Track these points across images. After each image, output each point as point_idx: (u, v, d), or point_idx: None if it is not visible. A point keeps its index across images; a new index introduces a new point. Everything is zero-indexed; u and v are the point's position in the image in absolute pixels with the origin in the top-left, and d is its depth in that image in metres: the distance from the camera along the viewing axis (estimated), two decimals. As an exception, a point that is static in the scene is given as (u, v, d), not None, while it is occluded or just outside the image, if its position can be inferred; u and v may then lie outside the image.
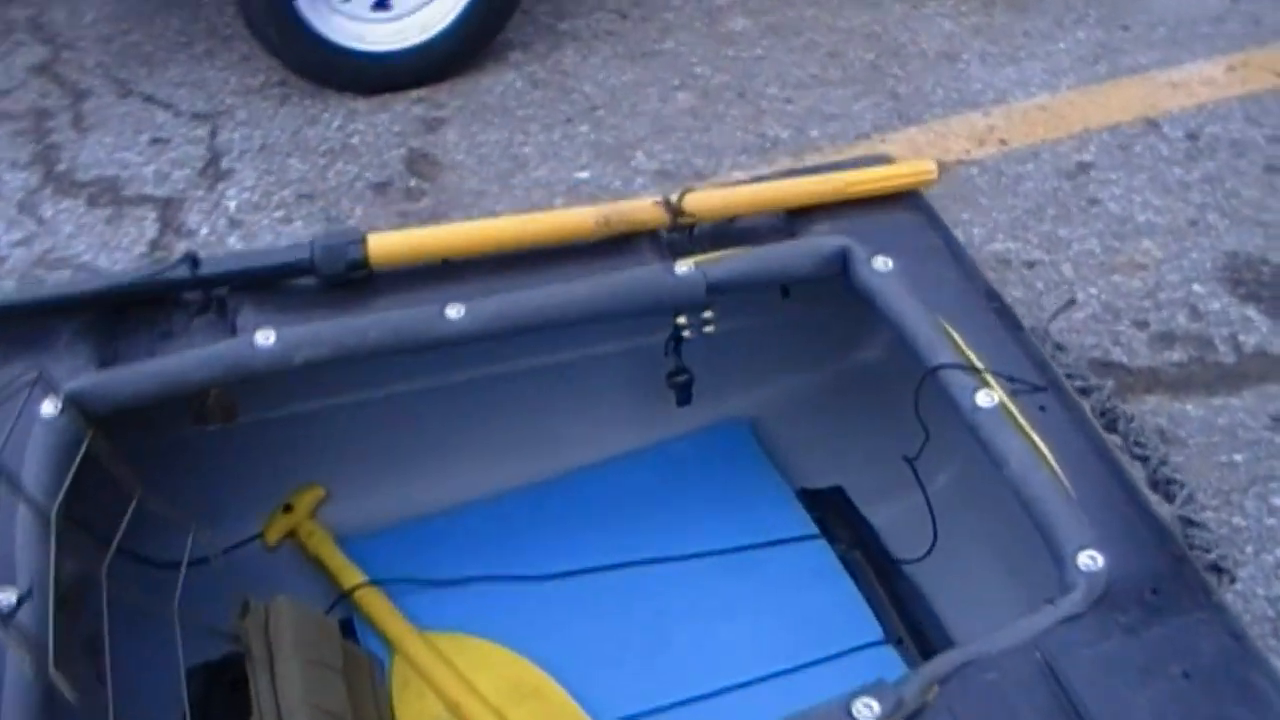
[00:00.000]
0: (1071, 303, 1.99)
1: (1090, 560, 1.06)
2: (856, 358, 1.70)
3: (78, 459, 1.16)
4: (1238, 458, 1.79)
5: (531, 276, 1.36)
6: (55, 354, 1.23)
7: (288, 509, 1.49)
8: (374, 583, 1.46)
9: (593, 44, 2.52)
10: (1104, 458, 1.22)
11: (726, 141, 2.31)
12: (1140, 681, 1.00)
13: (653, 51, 2.53)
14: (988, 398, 1.23)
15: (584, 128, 2.31)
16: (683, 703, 1.40)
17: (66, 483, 1.13)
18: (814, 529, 1.56)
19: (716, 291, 1.38)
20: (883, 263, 1.38)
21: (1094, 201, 2.25)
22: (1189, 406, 1.85)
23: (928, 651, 1.46)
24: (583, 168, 2.23)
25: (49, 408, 1.18)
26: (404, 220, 2.07)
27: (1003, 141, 2.37)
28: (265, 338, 1.26)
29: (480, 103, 2.34)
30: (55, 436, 1.16)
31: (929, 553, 1.52)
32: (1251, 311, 2.05)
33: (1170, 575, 1.09)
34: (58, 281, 1.34)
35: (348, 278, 1.32)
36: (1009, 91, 2.52)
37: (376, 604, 1.45)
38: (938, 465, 1.51)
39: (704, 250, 1.39)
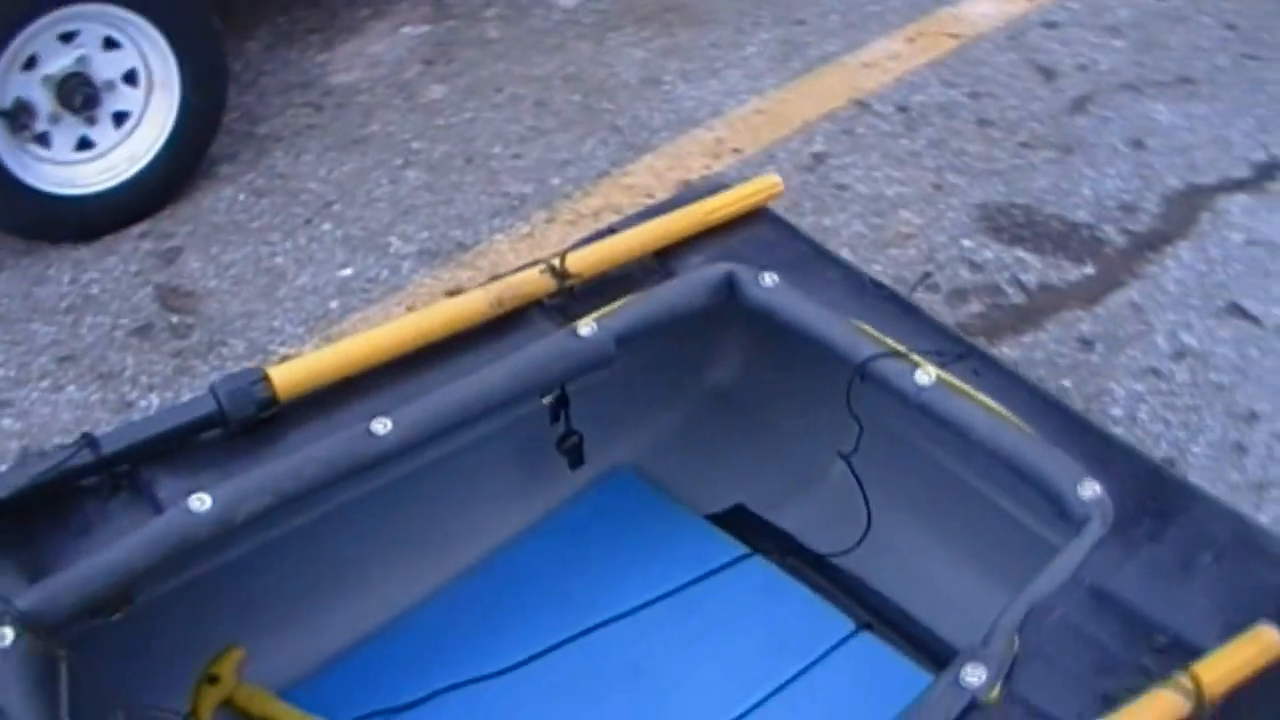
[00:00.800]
0: (928, 275, 2.24)
1: (1091, 490, 1.28)
2: (710, 382, 1.88)
3: (63, 679, 1.18)
4: (1066, 383, 2.10)
5: (437, 372, 1.49)
6: None
7: (213, 680, 1.50)
8: (345, 725, 1.52)
9: (298, 142, 2.67)
10: (1048, 400, 1.46)
11: (474, 209, 2.51)
12: (1184, 577, 1.28)
13: (362, 137, 2.68)
14: (925, 376, 1.49)
15: (326, 225, 2.44)
16: None
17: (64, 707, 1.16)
18: (744, 548, 1.73)
19: (623, 344, 1.55)
20: (769, 278, 1.61)
21: (842, 187, 2.57)
22: (1005, 349, 2.15)
23: (899, 631, 1.62)
24: (343, 266, 2.37)
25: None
26: (182, 360, 2.09)
27: (736, 151, 2.66)
28: (200, 503, 1.31)
29: (209, 224, 2.45)
30: (25, 665, 1.17)
31: (862, 539, 1.69)
32: (1021, 252, 2.42)
33: (1155, 482, 1.35)
34: None
35: (258, 418, 1.40)
36: (721, 103, 2.83)
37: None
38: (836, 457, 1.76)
39: (593, 308, 1.56)
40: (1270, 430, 2.29)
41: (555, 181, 2.80)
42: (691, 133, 2.97)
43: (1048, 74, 3.27)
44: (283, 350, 2.33)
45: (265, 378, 1.41)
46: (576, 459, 1.84)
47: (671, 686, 1.63)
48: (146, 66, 2.52)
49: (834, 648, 1.69)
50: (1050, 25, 3.48)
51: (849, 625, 1.71)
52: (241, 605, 1.58)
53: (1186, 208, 2.83)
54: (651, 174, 2.82)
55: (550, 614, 1.71)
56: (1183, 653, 1.23)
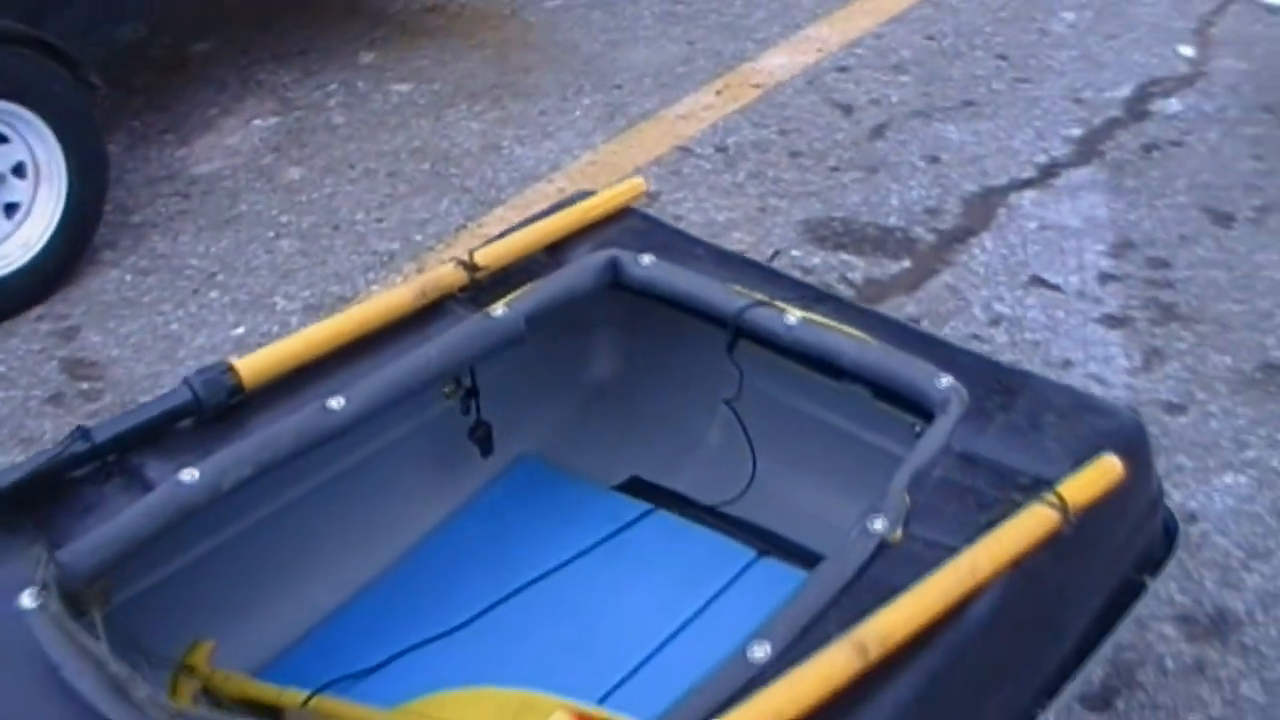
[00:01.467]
0: (777, 253, 2.76)
1: (946, 380, 1.75)
2: (594, 371, 2.36)
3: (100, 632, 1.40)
4: (900, 354, 2.65)
5: (378, 354, 1.82)
6: None
7: (188, 670, 1.70)
8: (318, 691, 1.71)
9: (173, 225, 3.09)
10: (897, 324, 1.97)
11: (348, 266, 2.94)
12: (1034, 433, 1.70)
13: (232, 216, 3.12)
14: (793, 317, 1.88)
15: (214, 294, 2.85)
16: (636, 669, 1.84)
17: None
18: (647, 505, 2.16)
19: (532, 322, 1.89)
20: (646, 259, 2.01)
21: (677, 217, 3.08)
22: (843, 338, 2.69)
23: (794, 556, 2.06)
24: (234, 326, 2.77)
25: (28, 600, 1.41)
26: (98, 420, 2.48)
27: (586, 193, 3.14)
28: (190, 476, 1.57)
29: (101, 302, 2.83)
30: (64, 622, 1.39)
31: (749, 485, 2.14)
32: (845, 256, 2.99)
33: (997, 372, 1.87)
34: None
35: (228, 405, 1.68)
36: (558, 159, 3.36)
37: (334, 707, 1.70)
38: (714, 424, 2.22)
39: (501, 294, 1.90)
40: (1084, 372, 2.85)
41: (418, 238, 3.26)
42: (535, 186, 3.47)
43: (845, 109, 3.88)
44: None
45: (231, 369, 1.70)
46: (487, 447, 2.24)
47: (605, 624, 1.94)
48: (34, 159, 2.91)
49: (740, 573, 2.06)
50: (842, 69, 4.10)
51: (750, 554, 2.08)
52: (207, 600, 1.81)
53: (984, 206, 3.43)
54: (504, 224, 3.28)
55: (485, 580, 2.02)
56: (1044, 486, 1.62)
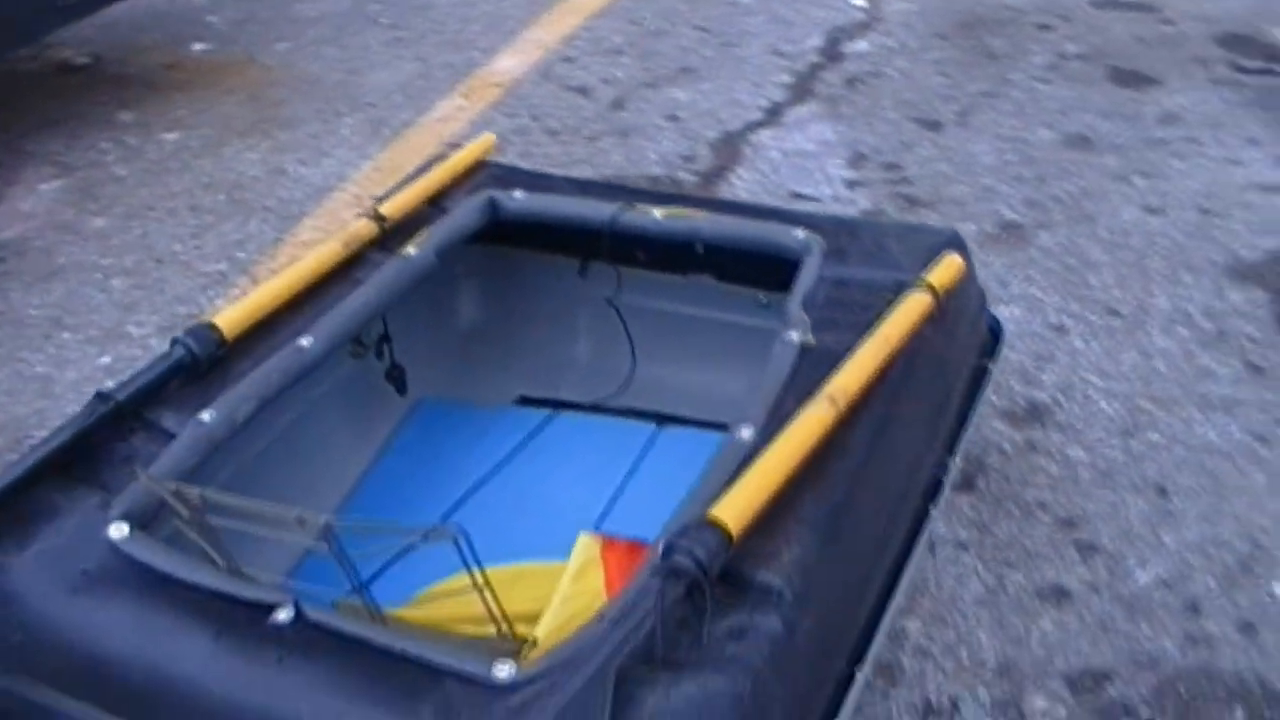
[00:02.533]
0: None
1: (802, 232, 2.17)
2: (466, 319, 2.66)
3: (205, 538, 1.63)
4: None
5: (324, 299, 2.08)
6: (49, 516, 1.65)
7: None
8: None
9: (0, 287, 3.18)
10: (744, 205, 2.34)
11: (185, 289, 3.17)
12: (885, 254, 2.13)
13: (55, 269, 3.30)
14: (659, 213, 2.31)
15: (65, 335, 3.04)
16: (599, 524, 2.13)
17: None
18: (548, 411, 2.48)
19: (440, 256, 2.23)
20: (518, 194, 2.38)
21: None
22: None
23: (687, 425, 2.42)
24: (99, 356, 2.96)
25: (116, 531, 1.62)
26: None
27: (373, 197, 3.42)
28: (208, 416, 1.81)
29: None
30: (151, 544, 1.61)
31: (631, 376, 2.50)
32: None
33: (834, 221, 2.30)
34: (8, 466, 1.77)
35: (216, 357, 1.92)
36: (343, 170, 3.65)
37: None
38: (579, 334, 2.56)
39: (409, 239, 2.22)
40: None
41: (240, 255, 3.46)
42: (331, 196, 3.71)
43: (582, 91, 4.26)
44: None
45: (214, 326, 1.96)
46: (402, 387, 2.55)
47: (551, 505, 2.22)
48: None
49: (650, 442, 2.42)
50: (567, 60, 4.49)
51: (650, 427, 2.44)
52: None
53: (730, 147, 3.87)
54: (316, 231, 3.56)
55: (428, 501, 2.26)
56: (910, 283, 2.03)
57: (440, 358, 2.61)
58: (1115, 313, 3.01)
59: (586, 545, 1.95)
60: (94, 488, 1.75)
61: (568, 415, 2.51)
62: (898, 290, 2.05)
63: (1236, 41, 4.41)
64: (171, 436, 1.84)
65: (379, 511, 2.28)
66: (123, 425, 1.85)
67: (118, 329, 3.13)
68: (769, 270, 2.28)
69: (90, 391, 2.81)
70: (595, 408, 2.53)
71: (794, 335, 1.95)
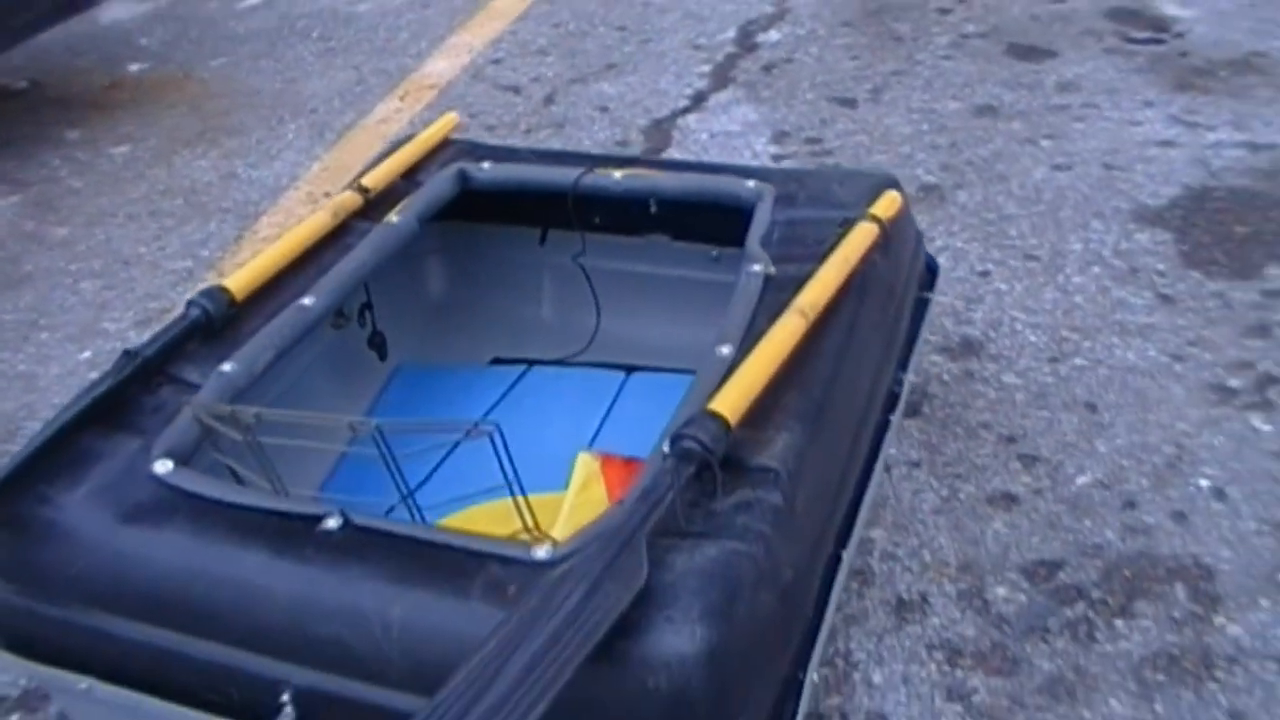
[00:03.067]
0: None
1: (753, 181, 2.36)
2: (433, 292, 2.79)
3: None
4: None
5: (320, 262, 2.27)
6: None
7: None
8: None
9: None
10: (697, 164, 2.51)
11: (158, 285, 3.30)
12: (832, 196, 2.27)
13: (23, 276, 3.43)
14: (618, 174, 2.48)
15: (44, 335, 3.17)
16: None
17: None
18: (523, 367, 2.64)
19: (420, 222, 2.42)
20: (485, 165, 2.54)
21: None
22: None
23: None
24: (80, 351, 3.08)
25: (161, 467, 1.75)
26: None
27: (327, 194, 3.58)
28: (230, 367, 1.92)
29: None
30: (196, 475, 1.73)
31: (595, 334, 2.66)
32: None
33: (781, 172, 2.46)
34: (38, 432, 1.87)
35: (228, 316, 2.04)
36: (294, 171, 3.81)
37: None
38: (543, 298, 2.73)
39: (390, 208, 2.42)
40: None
41: (204, 253, 3.58)
42: (286, 195, 3.84)
43: (514, 89, 4.43)
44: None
45: (224, 288, 2.10)
46: (383, 352, 2.71)
47: (536, 448, 2.20)
48: None
49: (621, 387, 2.60)
50: (496, 62, 4.66)
51: (621, 374, 2.62)
52: None
53: (660, 131, 4.05)
54: (274, 227, 3.69)
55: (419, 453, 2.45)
56: (856, 218, 2.21)
57: (415, 327, 2.75)
58: (1033, 258, 3.23)
59: (586, 462, 2.11)
60: (131, 434, 1.88)
61: (541, 370, 2.66)
62: (846, 224, 2.22)
63: (1125, 15, 4.68)
64: (194, 388, 1.97)
65: (371, 466, 2.42)
66: (149, 380, 1.98)
67: (94, 326, 3.23)
68: (723, 223, 2.44)
69: (74, 385, 2.97)
70: (565, 363, 2.67)
71: (757, 267, 2.12)
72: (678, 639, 1.47)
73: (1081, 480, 2.52)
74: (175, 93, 4.49)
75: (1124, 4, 4.79)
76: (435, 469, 2.30)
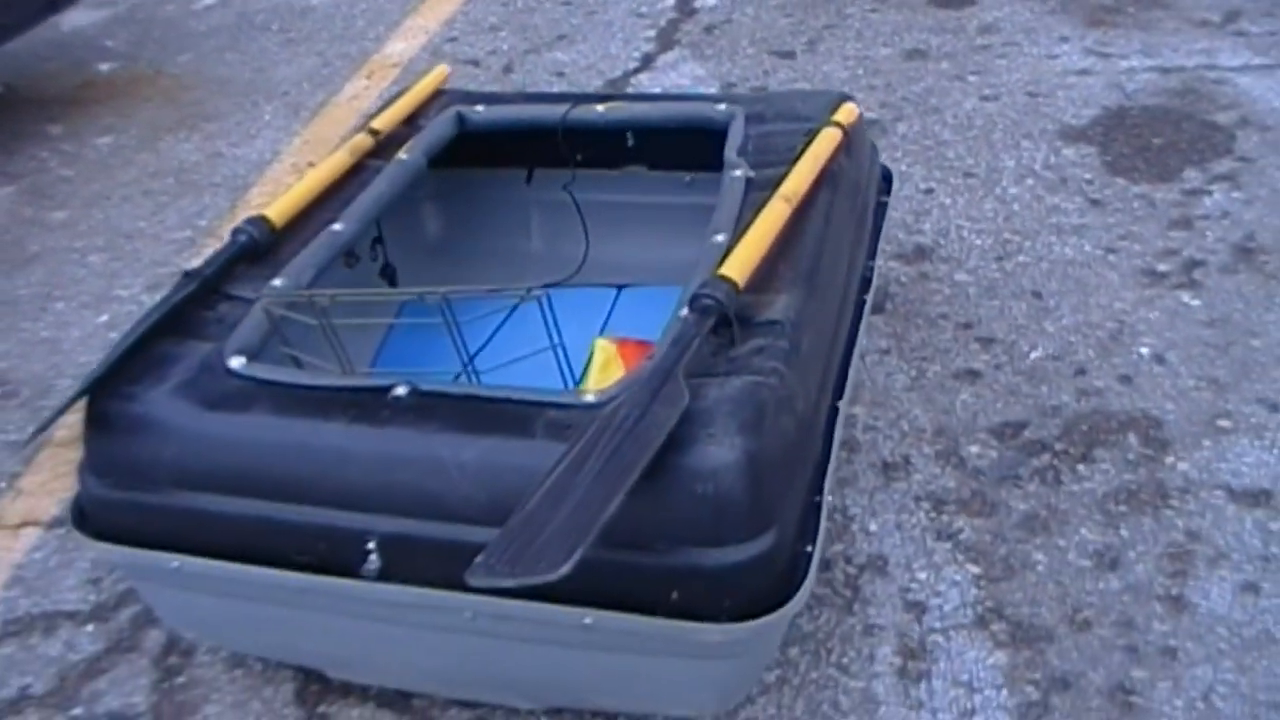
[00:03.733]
0: None
1: (724, 104, 2.59)
2: (430, 235, 2.99)
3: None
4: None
5: (347, 192, 2.46)
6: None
7: None
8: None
9: None
10: (659, 95, 2.74)
11: (164, 253, 3.49)
12: (796, 110, 2.50)
13: (31, 256, 3.61)
14: (601, 108, 2.67)
15: (60, 305, 3.33)
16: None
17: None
18: (522, 290, 2.84)
19: (428, 157, 2.62)
20: (480, 107, 2.74)
21: None
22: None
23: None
24: (97, 316, 3.24)
25: (237, 362, 1.94)
26: (26, 411, 2.94)
27: (311, 163, 3.77)
28: (279, 281, 2.10)
29: None
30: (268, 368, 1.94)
31: (585, 259, 2.87)
32: None
33: (749, 96, 2.71)
34: (116, 344, 2.03)
35: (270, 241, 2.23)
36: (275, 148, 4.00)
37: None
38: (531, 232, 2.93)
39: (399, 147, 2.60)
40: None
41: (202, 223, 3.75)
42: (271, 168, 4.01)
43: (474, 63, 4.62)
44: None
45: (265, 217, 2.28)
46: (394, 281, 2.91)
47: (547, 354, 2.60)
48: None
49: (615, 300, 2.81)
50: (452, 40, 4.85)
51: (613, 290, 2.86)
52: None
53: (615, 90, 4.29)
54: (265, 197, 3.87)
55: (443, 361, 2.63)
56: (821, 125, 2.43)
57: (418, 263, 2.94)
58: (972, 175, 3.49)
59: (603, 347, 2.33)
60: (200, 340, 2.07)
61: (538, 291, 2.86)
62: (812, 132, 2.44)
63: (1034, -37, 4.96)
64: (247, 302, 2.15)
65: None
66: (208, 297, 2.17)
67: (107, 293, 3.41)
68: (700, 145, 2.65)
69: (97, 346, 3.14)
70: (560, 285, 2.89)
71: (738, 172, 2.34)
72: (720, 450, 1.69)
73: (1035, 355, 2.77)
74: (148, 87, 4.65)
75: (1033, -47, 5.06)
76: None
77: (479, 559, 1.55)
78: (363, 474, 1.82)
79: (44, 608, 2.43)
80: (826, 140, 2.39)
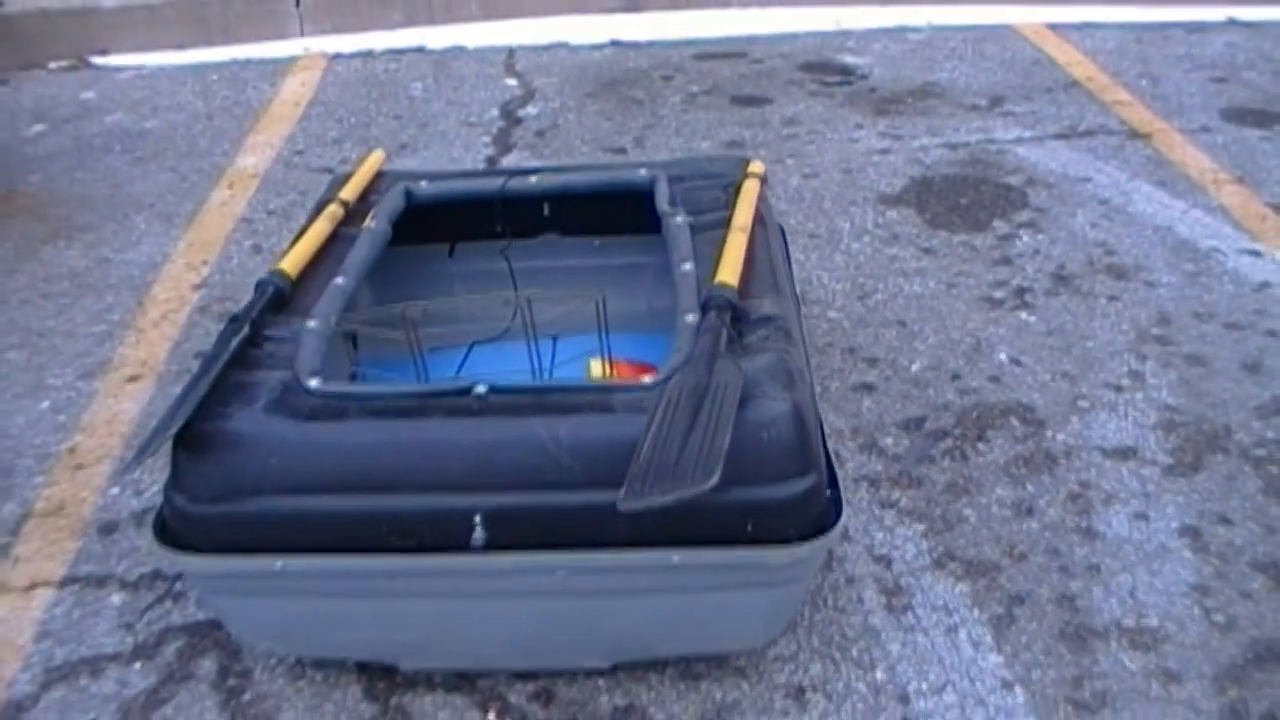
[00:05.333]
0: None
1: (644, 170, 3.20)
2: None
3: None
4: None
5: (338, 252, 2.75)
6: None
7: None
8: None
9: None
10: (579, 166, 3.18)
11: (81, 345, 3.62)
12: (712, 172, 3.01)
13: None
14: (534, 178, 3.04)
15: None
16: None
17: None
18: (466, 346, 3.19)
19: (392, 225, 2.94)
20: (424, 183, 3.08)
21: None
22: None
23: None
24: (39, 403, 3.40)
25: (315, 382, 2.19)
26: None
27: (205, 261, 4.02)
28: (312, 323, 2.35)
29: None
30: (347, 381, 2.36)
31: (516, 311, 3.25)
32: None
33: (668, 163, 3.12)
34: (196, 376, 2.26)
35: (290, 292, 2.55)
36: (164, 249, 4.23)
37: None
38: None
39: (363, 217, 2.92)
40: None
41: (114, 317, 3.87)
42: (166, 268, 4.14)
43: (328, 170, 4.90)
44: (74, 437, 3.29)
45: (283, 271, 2.57)
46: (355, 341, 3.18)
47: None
48: None
49: (554, 343, 3.20)
50: (299, 152, 5.11)
51: (549, 339, 3.23)
52: None
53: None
54: (168, 294, 4.06)
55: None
56: (742, 178, 2.90)
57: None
58: (816, 235, 4.00)
59: (597, 364, 2.69)
60: (261, 369, 2.31)
61: (480, 347, 3.19)
62: (733, 184, 2.90)
63: (814, 66, 5.60)
64: (285, 341, 2.41)
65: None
66: (254, 337, 2.42)
67: (40, 383, 3.53)
68: (625, 207, 3.05)
69: (45, 429, 3.29)
70: (498, 340, 3.20)
71: (679, 218, 2.76)
72: (775, 404, 2.08)
73: (915, 367, 3.26)
74: (7, 205, 4.73)
75: (811, 59, 5.72)
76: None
77: (622, 491, 1.89)
78: (466, 460, 2.11)
79: (81, 654, 2.54)
80: (751, 188, 2.84)
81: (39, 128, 5.51)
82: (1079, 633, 2.39)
